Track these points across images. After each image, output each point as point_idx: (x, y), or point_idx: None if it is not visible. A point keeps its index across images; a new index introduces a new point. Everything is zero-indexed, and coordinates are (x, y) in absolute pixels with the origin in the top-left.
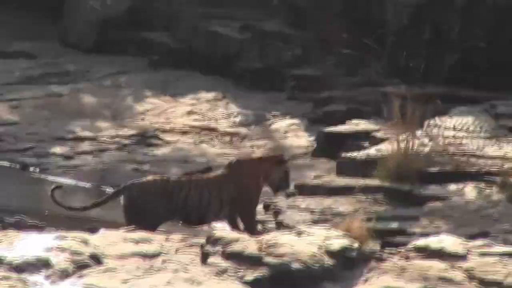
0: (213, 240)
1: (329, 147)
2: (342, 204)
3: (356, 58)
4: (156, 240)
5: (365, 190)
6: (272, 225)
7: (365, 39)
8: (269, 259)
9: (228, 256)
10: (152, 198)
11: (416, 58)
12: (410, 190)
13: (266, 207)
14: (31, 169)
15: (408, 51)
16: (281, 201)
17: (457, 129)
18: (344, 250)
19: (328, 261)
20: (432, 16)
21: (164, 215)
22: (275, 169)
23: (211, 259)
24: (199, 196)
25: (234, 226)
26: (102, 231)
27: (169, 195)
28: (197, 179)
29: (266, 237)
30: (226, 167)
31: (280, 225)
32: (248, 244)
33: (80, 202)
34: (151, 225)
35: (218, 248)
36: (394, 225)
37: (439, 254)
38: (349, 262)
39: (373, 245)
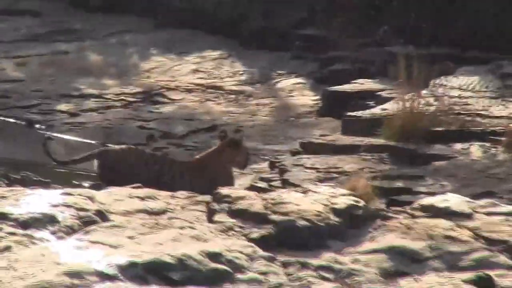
0: (219, 198)
1: (334, 106)
2: (347, 163)
3: (363, 18)
4: (162, 197)
5: (370, 149)
6: (277, 183)
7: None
8: (274, 217)
9: (234, 213)
10: (127, 165)
11: (424, 19)
12: (416, 149)
13: (272, 165)
14: (37, 126)
15: (416, 11)
16: (286, 159)
17: (462, 89)
18: (349, 209)
19: (333, 219)
20: None
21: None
22: (235, 153)
23: (217, 217)
24: (172, 174)
25: None
26: (108, 188)
27: (143, 166)
28: (171, 159)
29: (271, 195)
30: (195, 160)
31: (285, 183)
32: (253, 202)
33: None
34: None
35: (224, 205)
36: (400, 184)
37: (445, 213)
38: (354, 221)
39: (379, 204)
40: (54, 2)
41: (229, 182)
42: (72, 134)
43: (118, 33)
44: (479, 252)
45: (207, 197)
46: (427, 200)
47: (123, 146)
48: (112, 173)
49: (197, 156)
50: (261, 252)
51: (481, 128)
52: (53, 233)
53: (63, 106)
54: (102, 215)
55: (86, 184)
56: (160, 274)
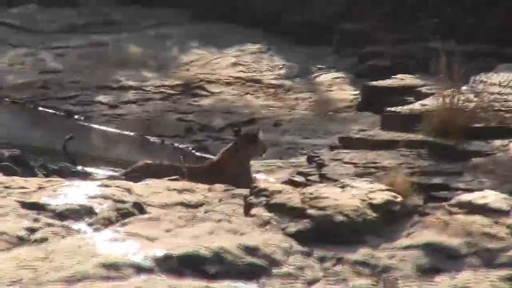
0: (256, 191)
1: (373, 101)
2: (385, 158)
3: (403, 12)
4: (199, 190)
5: (409, 144)
6: (315, 177)
7: None
8: (312, 211)
9: (271, 207)
10: None
11: (463, 14)
12: (454, 145)
13: (310, 159)
14: (76, 117)
15: (455, 7)
16: (325, 153)
17: (502, 86)
18: (387, 204)
19: (371, 214)
20: None
21: None
22: (252, 148)
23: (254, 210)
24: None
25: None
26: (146, 180)
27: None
28: (189, 167)
29: (309, 189)
30: (213, 160)
31: (323, 178)
32: (291, 196)
33: (124, 150)
34: None
35: (262, 199)
36: (438, 180)
37: (483, 210)
38: (392, 216)
39: (416, 200)
40: None
41: (249, 179)
42: (111, 125)
43: (157, 25)
44: None
45: (245, 191)
46: (465, 197)
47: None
48: None
49: (214, 159)
50: (297, 246)
51: None
52: (90, 224)
53: (102, 98)
54: (139, 208)
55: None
56: (196, 267)
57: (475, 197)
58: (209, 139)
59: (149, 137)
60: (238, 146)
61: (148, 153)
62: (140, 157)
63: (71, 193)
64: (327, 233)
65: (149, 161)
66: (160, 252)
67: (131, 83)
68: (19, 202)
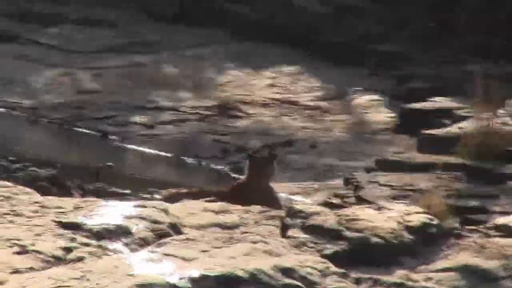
0: (293, 213)
1: (410, 123)
2: (422, 181)
3: (435, 34)
4: (235, 211)
5: (446, 167)
6: (352, 199)
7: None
8: (348, 233)
9: (308, 229)
10: None
11: (493, 36)
12: (491, 168)
13: (347, 182)
14: (112, 137)
15: (485, 29)
16: (361, 176)
17: None
18: (423, 226)
19: (407, 236)
20: None
21: None
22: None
23: (290, 232)
24: None
25: None
26: (182, 201)
27: None
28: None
29: (345, 211)
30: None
31: (359, 200)
32: (327, 217)
33: (161, 171)
34: None
35: (298, 221)
36: (474, 202)
37: None
38: (428, 239)
39: (453, 222)
40: (131, 13)
41: (273, 198)
42: (147, 146)
43: (195, 46)
44: None
45: (281, 212)
46: (501, 220)
47: None
48: None
49: (238, 181)
50: (334, 268)
51: None
52: (126, 245)
53: (138, 118)
54: (175, 228)
55: (159, 196)
56: None
57: None
58: (245, 160)
59: (184, 157)
60: (251, 169)
61: (185, 174)
62: (176, 178)
63: (107, 213)
64: (363, 255)
65: (173, 190)
66: (196, 273)
67: (167, 103)
68: (55, 221)
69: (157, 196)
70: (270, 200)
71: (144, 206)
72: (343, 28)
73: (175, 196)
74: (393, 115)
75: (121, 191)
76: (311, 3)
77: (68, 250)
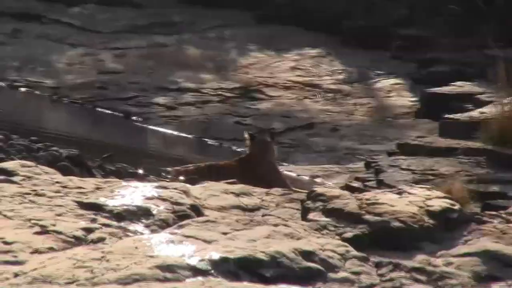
0: (314, 196)
1: (432, 107)
2: (443, 165)
3: (465, 19)
4: (256, 194)
5: (467, 152)
6: (373, 183)
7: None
8: (369, 217)
9: (328, 212)
10: None
11: None
12: None
13: (368, 165)
14: (134, 118)
15: None
16: (382, 159)
17: None
18: (444, 211)
19: (428, 221)
20: None
21: None
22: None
23: (311, 215)
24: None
25: None
26: (203, 183)
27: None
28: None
29: (366, 195)
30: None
31: (380, 184)
32: (348, 201)
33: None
34: None
35: (319, 204)
36: (495, 188)
37: None
38: (449, 224)
39: (474, 208)
40: None
41: (278, 177)
42: (169, 127)
43: (217, 27)
44: None
45: (302, 195)
46: None
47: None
48: None
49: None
50: (354, 252)
51: None
52: (147, 226)
53: (160, 99)
54: (196, 210)
55: (181, 177)
56: (252, 271)
57: None
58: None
59: (206, 139)
60: (253, 148)
61: (206, 156)
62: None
63: (128, 194)
64: (383, 239)
65: (181, 168)
66: (216, 255)
67: (189, 85)
68: (76, 202)
69: (163, 174)
70: (274, 177)
71: (165, 188)
72: (369, 12)
73: (183, 173)
74: (415, 99)
75: (141, 172)
76: None
77: (88, 230)
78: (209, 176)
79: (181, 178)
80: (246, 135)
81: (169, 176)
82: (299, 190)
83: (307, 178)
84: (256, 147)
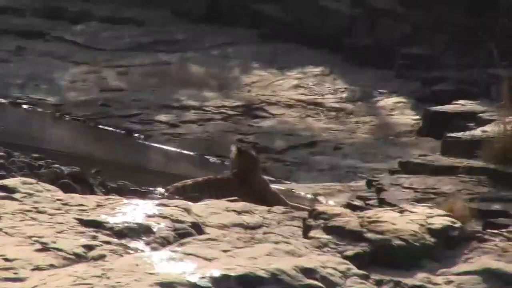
0: (315, 214)
1: (434, 126)
2: (445, 184)
3: (467, 38)
4: (258, 212)
5: (469, 171)
6: (374, 201)
7: (477, 20)
8: (370, 235)
9: (330, 230)
10: None
11: None
12: None
13: (369, 184)
14: (136, 135)
15: None
16: (384, 178)
17: None
18: (445, 230)
19: (429, 239)
20: None
21: None
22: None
23: (312, 232)
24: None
25: None
26: (205, 201)
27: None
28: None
29: (368, 213)
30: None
31: (382, 202)
32: (349, 219)
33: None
34: None
35: (320, 222)
36: (497, 206)
37: None
38: (450, 242)
39: (475, 226)
40: (158, 11)
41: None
42: (171, 144)
43: (221, 45)
44: None
45: (304, 213)
46: None
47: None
48: None
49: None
50: (355, 269)
51: None
52: (148, 243)
53: (163, 117)
54: (197, 228)
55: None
56: None
57: None
58: (269, 160)
59: (208, 157)
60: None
61: (207, 173)
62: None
63: (129, 211)
64: (384, 257)
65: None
66: (217, 272)
67: (192, 102)
68: (77, 219)
69: (159, 189)
70: (268, 191)
71: (167, 205)
72: (372, 31)
73: (182, 188)
74: (417, 117)
75: (143, 189)
76: (343, 5)
77: (89, 248)
78: (207, 191)
79: (178, 196)
80: (234, 149)
81: (166, 194)
82: (298, 205)
83: (303, 194)
84: (244, 161)
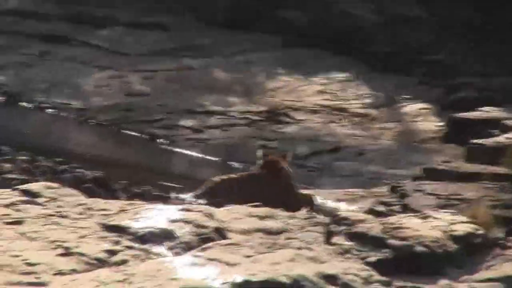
0: (338, 220)
1: (458, 133)
2: (468, 190)
3: (491, 45)
4: (281, 217)
5: (493, 177)
6: (397, 208)
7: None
8: (393, 241)
9: (352, 236)
10: None
11: None
12: None
13: (393, 190)
14: (160, 140)
15: None
16: (408, 184)
17: None
18: (468, 236)
19: (451, 246)
20: None
21: None
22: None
23: (335, 239)
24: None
25: None
26: (228, 206)
27: None
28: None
29: (390, 219)
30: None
31: (405, 208)
32: (372, 225)
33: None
34: None
35: (343, 228)
36: None
37: None
38: (473, 249)
39: (498, 233)
40: (182, 17)
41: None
42: (195, 150)
43: (245, 51)
44: None
45: (326, 219)
46: None
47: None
48: None
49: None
50: (377, 276)
51: None
52: (170, 248)
53: (187, 122)
54: (220, 233)
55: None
56: None
57: None
58: (293, 166)
59: (232, 162)
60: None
61: None
62: None
63: (152, 216)
64: (407, 264)
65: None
66: (239, 278)
67: (216, 108)
68: (100, 224)
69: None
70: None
71: (190, 210)
72: (396, 38)
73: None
74: (441, 124)
75: (165, 194)
76: (367, 12)
77: (112, 252)
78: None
79: (209, 195)
80: (260, 153)
81: (197, 193)
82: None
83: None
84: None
